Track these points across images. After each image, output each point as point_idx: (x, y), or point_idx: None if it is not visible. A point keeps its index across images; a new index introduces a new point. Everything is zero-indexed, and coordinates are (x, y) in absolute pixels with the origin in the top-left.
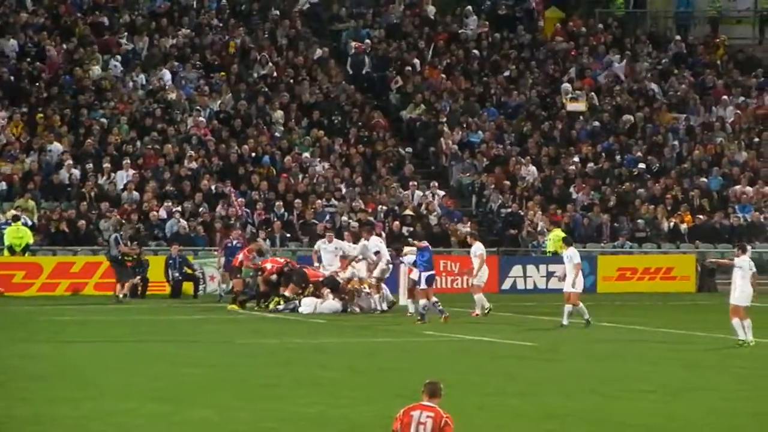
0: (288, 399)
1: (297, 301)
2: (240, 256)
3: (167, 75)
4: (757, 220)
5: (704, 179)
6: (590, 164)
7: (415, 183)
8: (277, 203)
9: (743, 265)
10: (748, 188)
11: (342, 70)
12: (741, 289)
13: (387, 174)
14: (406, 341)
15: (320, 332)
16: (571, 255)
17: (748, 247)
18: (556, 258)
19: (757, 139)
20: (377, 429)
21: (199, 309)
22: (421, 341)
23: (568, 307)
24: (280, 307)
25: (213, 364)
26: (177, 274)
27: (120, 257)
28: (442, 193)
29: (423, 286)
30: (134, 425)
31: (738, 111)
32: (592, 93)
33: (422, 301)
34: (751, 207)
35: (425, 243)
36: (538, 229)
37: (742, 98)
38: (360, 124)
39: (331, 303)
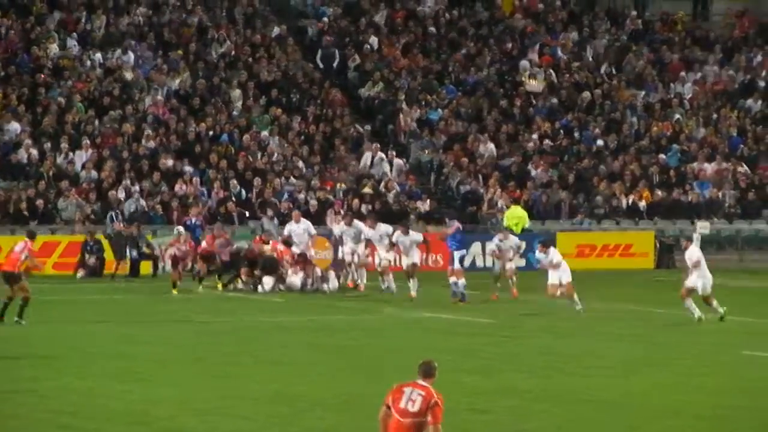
0: (247, 377)
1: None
2: (204, 244)
3: (125, 54)
4: (715, 196)
5: (662, 156)
6: (548, 141)
7: (373, 152)
8: (233, 181)
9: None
10: (706, 165)
11: (300, 48)
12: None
13: (346, 152)
14: (363, 318)
15: (280, 311)
16: (552, 256)
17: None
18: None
19: (715, 116)
20: (336, 406)
21: (157, 288)
22: (381, 318)
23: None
24: (240, 285)
25: (172, 343)
26: (135, 254)
27: (115, 235)
28: (400, 162)
29: (457, 266)
30: (94, 404)
31: (696, 87)
32: (551, 70)
33: (461, 281)
34: (708, 183)
35: (457, 223)
36: (498, 206)
37: (699, 74)
38: (318, 102)
39: (291, 279)
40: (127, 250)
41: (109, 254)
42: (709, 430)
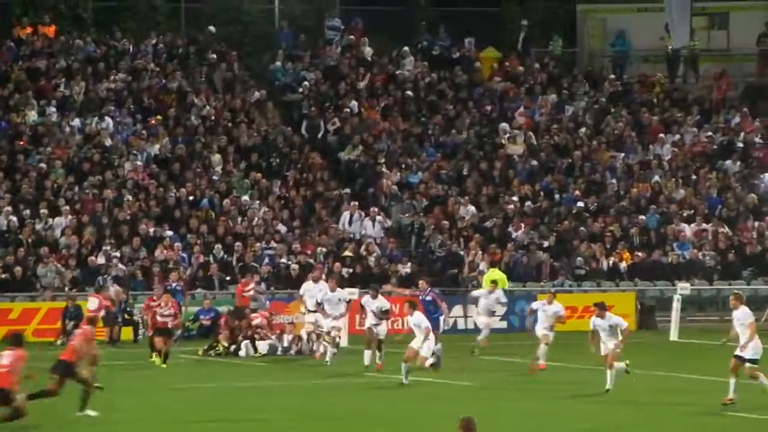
0: None
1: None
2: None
3: (105, 120)
4: (695, 257)
5: (642, 217)
6: (529, 203)
7: (351, 211)
8: (216, 246)
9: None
10: (685, 225)
11: (279, 113)
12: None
13: (326, 216)
14: (347, 382)
15: (258, 375)
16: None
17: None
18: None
19: (694, 177)
20: None
21: (138, 355)
22: (361, 382)
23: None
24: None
25: (152, 409)
26: (119, 319)
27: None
28: (381, 219)
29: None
30: None
31: (675, 149)
32: (530, 133)
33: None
34: (688, 244)
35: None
36: (479, 268)
37: (678, 136)
38: (299, 165)
39: (262, 344)
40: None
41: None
42: None
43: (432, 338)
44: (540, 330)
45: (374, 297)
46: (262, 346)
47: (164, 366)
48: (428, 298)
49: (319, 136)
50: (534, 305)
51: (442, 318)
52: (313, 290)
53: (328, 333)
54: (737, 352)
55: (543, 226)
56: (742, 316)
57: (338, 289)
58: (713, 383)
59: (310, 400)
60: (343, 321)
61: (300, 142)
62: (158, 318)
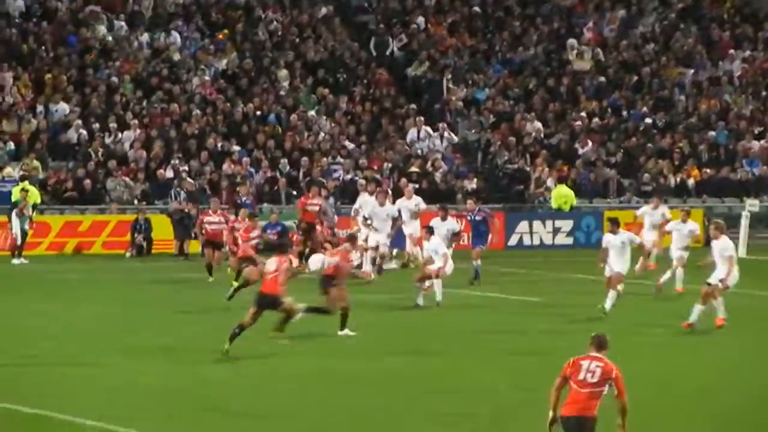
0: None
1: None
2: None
3: (172, 35)
4: (765, 173)
5: (712, 133)
6: (596, 120)
7: (418, 126)
8: (282, 161)
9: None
10: (755, 142)
11: (346, 28)
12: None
13: (393, 131)
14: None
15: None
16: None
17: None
18: (562, 214)
19: (764, 93)
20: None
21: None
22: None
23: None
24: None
25: (213, 324)
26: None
27: (175, 214)
28: (447, 135)
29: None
30: (140, 383)
31: (745, 65)
32: (598, 49)
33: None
34: (758, 161)
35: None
36: (545, 185)
37: (748, 52)
38: (365, 81)
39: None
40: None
41: (160, 233)
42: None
43: (450, 264)
44: (675, 252)
45: (444, 218)
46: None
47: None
48: (477, 218)
49: (387, 52)
50: (668, 227)
51: (489, 237)
52: (368, 204)
53: (373, 249)
54: (711, 281)
55: (610, 142)
56: (722, 248)
57: (387, 203)
58: None
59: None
60: (385, 237)
61: (367, 57)
62: (207, 227)
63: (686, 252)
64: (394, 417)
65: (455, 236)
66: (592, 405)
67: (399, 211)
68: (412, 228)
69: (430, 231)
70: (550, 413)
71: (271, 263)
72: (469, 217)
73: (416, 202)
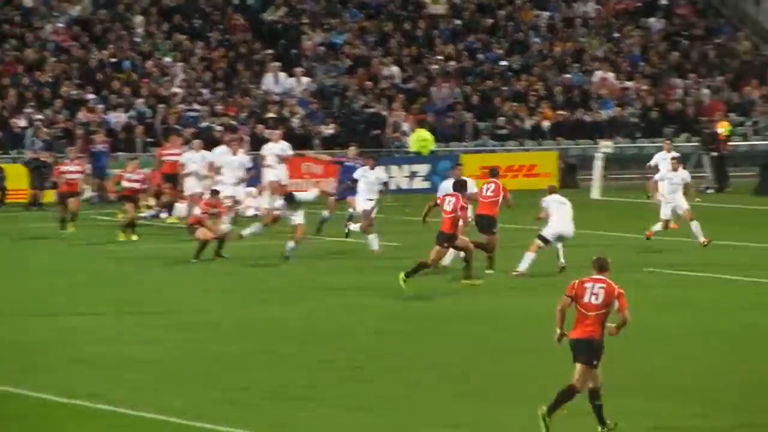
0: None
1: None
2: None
3: None
4: (619, 115)
5: (568, 75)
6: (452, 63)
7: (274, 72)
8: (138, 108)
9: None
10: (609, 83)
11: None
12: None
13: (249, 77)
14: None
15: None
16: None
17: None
18: (419, 158)
19: (617, 35)
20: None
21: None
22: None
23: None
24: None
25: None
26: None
27: (32, 162)
28: (304, 80)
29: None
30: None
31: (599, 6)
32: None
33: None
34: (611, 102)
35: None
36: (401, 129)
37: None
38: (221, 27)
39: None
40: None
41: (14, 183)
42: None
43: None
44: (665, 206)
45: (372, 167)
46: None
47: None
48: (357, 165)
49: None
50: (657, 176)
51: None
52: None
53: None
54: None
55: (467, 86)
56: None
57: (240, 153)
58: (634, 239)
59: None
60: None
61: (222, 2)
62: (125, 184)
63: (685, 203)
64: (254, 364)
65: (384, 185)
66: (599, 327)
67: (254, 160)
68: (277, 174)
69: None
70: (557, 330)
71: (449, 203)
72: (347, 164)
73: (283, 146)
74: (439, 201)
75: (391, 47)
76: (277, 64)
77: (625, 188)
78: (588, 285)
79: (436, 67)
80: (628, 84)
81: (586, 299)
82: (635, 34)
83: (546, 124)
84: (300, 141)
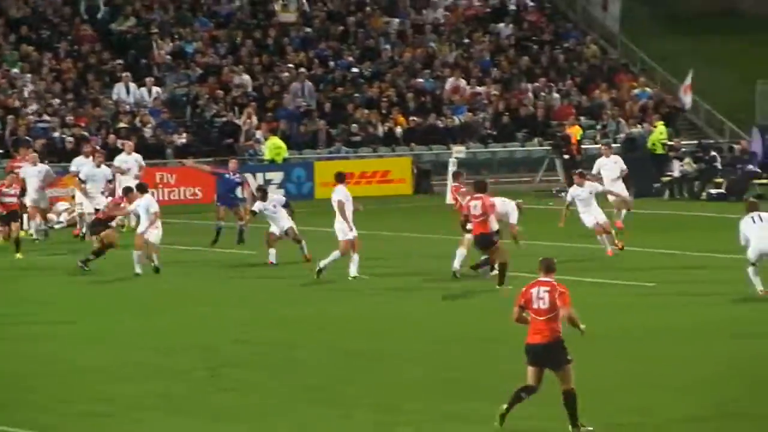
0: None
1: None
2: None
3: None
4: (471, 120)
5: (420, 80)
6: (303, 70)
7: (125, 82)
8: None
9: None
10: (461, 88)
11: None
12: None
13: (100, 87)
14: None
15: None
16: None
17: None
18: (272, 166)
19: (467, 40)
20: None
21: None
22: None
23: None
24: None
25: None
26: None
27: None
28: (155, 90)
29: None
30: None
31: (447, 13)
32: (303, 0)
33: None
34: (463, 108)
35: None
36: (255, 137)
37: (451, 0)
38: (69, 37)
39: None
40: None
41: None
42: (471, 352)
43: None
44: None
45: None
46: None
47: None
48: (237, 179)
49: (87, 6)
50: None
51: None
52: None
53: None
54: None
55: (318, 93)
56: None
57: (104, 165)
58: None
59: None
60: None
61: (70, 13)
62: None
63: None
64: (113, 375)
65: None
66: (554, 327)
67: (113, 173)
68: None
69: (142, 189)
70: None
71: (475, 208)
72: (227, 176)
73: (136, 157)
74: (464, 209)
75: (242, 56)
76: (128, 74)
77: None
78: (533, 291)
79: (287, 74)
80: (480, 89)
81: (534, 305)
82: (485, 40)
83: (399, 130)
84: (153, 151)
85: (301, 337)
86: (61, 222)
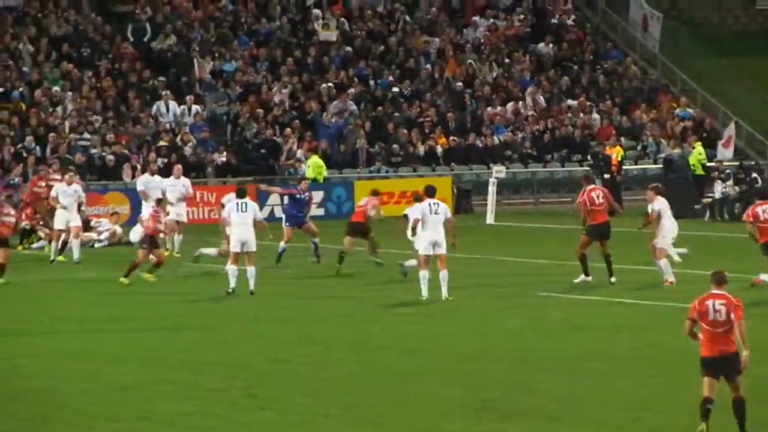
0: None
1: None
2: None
3: None
4: (511, 139)
5: (458, 101)
6: (343, 89)
7: (165, 101)
8: (27, 138)
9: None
10: (501, 108)
11: (90, 2)
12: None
13: (140, 106)
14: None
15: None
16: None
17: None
18: (316, 185)
19: (507, 60)
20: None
21: None
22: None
23: None
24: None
25: None
26: None
27: None
28: (196, 108)
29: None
30: None
31: (488, 33)
32: (343, 19)
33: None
34: (504, 128)
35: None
36: (296, 156)
37: (492, 20)
38: (110, 56)
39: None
40: None
41: None
42: (508, 371)
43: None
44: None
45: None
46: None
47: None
48: (306, 197)
49: (132, 25)
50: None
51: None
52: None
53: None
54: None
55: (359, 112)
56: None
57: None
58: (526, 264)
59: None
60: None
61: (111, 31)
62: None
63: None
64: (149, 393)
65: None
66: (731, 340)
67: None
68: (177, 211)
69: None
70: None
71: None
72: (299, 196)
73: (184, 182)
74: (587, 200)
75: (282, 74)
76: (168, 92)
77: (519, 213)
78: (709, 303)
79: (327, 94)
80: (520, 109)
81: (710, 317)
82: (525, 60)
83: (439, 149)
84: (193, 169)
85: (336, 356)
86: (102, 241)
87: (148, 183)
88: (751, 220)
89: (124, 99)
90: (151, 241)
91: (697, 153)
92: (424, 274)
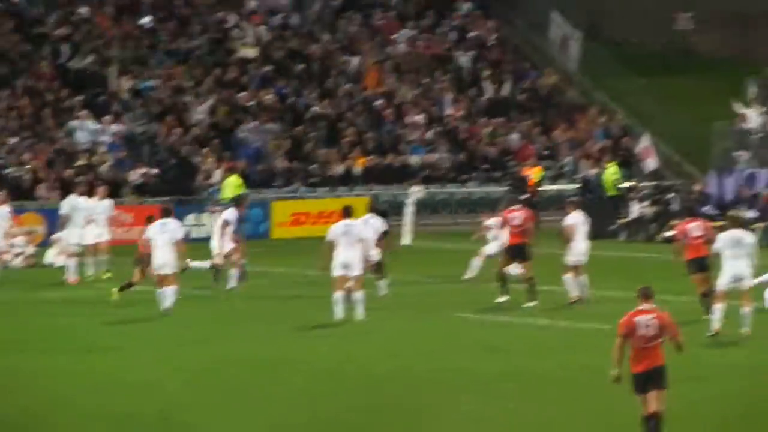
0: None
1: None
2: None
3: None
4: (429, 160)
5: (377, 121)
6: (262, 108)
7: (81, 119)
8: None
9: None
10: (419, 128)
11: (8, 21)
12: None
13: (57, 125)
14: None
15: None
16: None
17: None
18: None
19: (426, 79)
20: None
21: None
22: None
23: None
24: None
25: None
26: None
27: None
28: (113, 127)
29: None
30: None
31: (408, 50)
32: (264, 37)
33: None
34: (422, 148)
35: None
36: (213, 176)
37: (412, 37)
38: (27, 75)
39: None
40: None
41: None
42: (428, 393)
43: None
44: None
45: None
46: None
47: None
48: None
49: (48, 44)
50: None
51: None
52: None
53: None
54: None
55: (278, 131)
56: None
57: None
58: (443, 285)
59: None
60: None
61: (28, 50)
62: None
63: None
64: (56, 417)
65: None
66: (659, 354)
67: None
68: (99, 233)
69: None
70: (615, 371)
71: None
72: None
73: (107, 203)
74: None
75: (201, 93)
76: (86, 111)
77: (436, 233)
78: (639, 319)
79: (246, 112)
80: (438, 128)
81: (640, 333)
82: (444, 78)
83: (357, 169)
84: (111, 188)
85: (251, 378)
86: (17, 259)
87: (75, 204)
88: (681, 237)
89: (40, 118)
90: (146, 259)
91: (611, 173)
92: (337, 296)
